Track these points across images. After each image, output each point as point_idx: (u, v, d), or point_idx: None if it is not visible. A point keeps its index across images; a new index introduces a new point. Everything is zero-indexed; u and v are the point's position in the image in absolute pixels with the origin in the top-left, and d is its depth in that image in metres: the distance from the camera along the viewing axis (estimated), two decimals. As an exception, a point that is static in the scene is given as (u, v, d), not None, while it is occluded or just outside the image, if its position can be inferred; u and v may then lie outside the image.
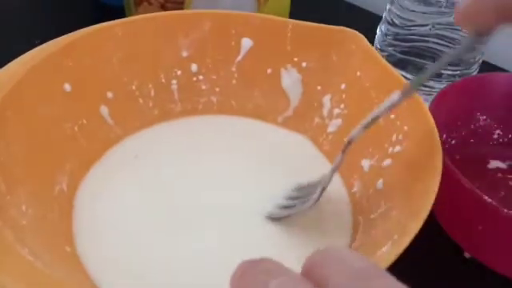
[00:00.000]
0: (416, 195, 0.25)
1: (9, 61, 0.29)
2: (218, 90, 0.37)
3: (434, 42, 0.42)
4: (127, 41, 0.35)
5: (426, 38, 0.42)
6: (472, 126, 0.39)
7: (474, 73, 0.44)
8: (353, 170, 0.32)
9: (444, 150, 0.27)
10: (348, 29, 0.35)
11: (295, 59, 0.36)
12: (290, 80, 0.37)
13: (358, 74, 0.33)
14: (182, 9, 0.40)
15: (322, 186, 0.29)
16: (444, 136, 0.36)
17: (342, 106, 0.34)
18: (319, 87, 0.36)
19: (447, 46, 0.42)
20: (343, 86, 0.35)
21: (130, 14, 0.43)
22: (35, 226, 0.25)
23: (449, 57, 0.25)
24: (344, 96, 0.34)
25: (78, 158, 0.32)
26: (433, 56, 0.42)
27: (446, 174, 0.26)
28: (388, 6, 0.44)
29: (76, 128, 0.32)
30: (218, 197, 0.31)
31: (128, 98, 0.35)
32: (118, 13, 0.42)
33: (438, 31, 0.41)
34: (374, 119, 0.26)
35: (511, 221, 0.28)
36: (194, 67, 0.37)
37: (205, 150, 0.35)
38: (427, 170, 0.26)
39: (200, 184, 0.32)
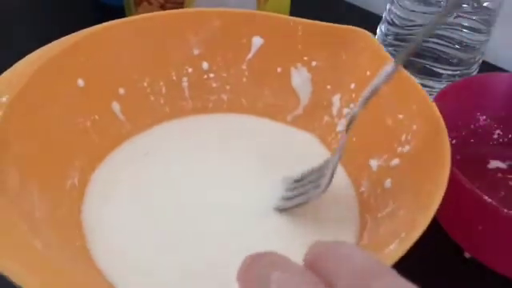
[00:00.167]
0: (424, 193, 0.25)
1: (9, 61, 0.29)
2: (228, 87, 0.38)
3: (434, 42, 0.42)
4: (139, 38, 0.35)
5: (426, 38, 0.42)
6: (472, 126, 0.39)
7: (474, 73, 0.44)
8: (361, 170, 0.32)
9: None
10: (359, 28, 0.35)
11: (305, 58, 0.36)
12: (300, 79, 0.37)
13: (368, 73, 0.33)
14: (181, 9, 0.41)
15: (331, 168, 0.29)
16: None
17: (352, 105, 0.34)
18: (329, 86, 0.36)
19: (447, 46, 0.42)
20: (353, 86, 0.35)
21: (130, 14, 0.44)
22: (47, 218, 0.26)
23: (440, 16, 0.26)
24: (354, 95, 0.34)
25: (90, 153, 0.32)
26: (433, 56, 0.42)
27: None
28: (388, 6, 0.44)
29: (88, 123, 0.33)
30: (226, 194, 0.31)
31: (139, 95, 0.36)
32: (118, 13, 0.42)
33: (437, 31, 0.41)
34: (374, 92, 0.27)
35: (511, 221, 0.28)
36: (204, 65, 0.37)
37: (213, 147, 0.35)
38: (436, 168, 0.26)
39: (208, 181, 0.32)
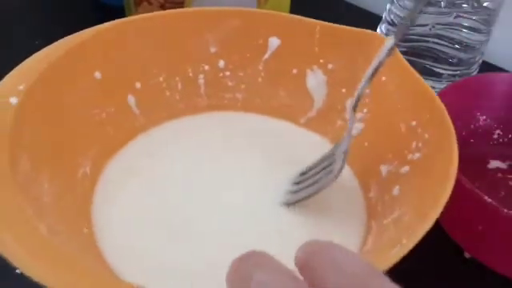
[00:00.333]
0: (427, 202, 0.25)
1: (9, 61, 0.29)
2: (243, 87, 0.38)
3: (433, 42, 0.42)
4: (157, 34, 0.35)
5: (426, 38, 0.42)
6: (472, 126, 0.39)
7: (474, 73, 0.44)
8: (371, 175, 0.33)
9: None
10: (376, 33, 0.35)
11: (321, 61, 0.36)
12: (316, 81, 0.37)
13: (384, 78, 0.33)
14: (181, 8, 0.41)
15: (342, 153, 0.29)
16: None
17: (365, 110, 0.34)
18: (344, 90, 0.36)
19: (447, 46, 0.42)
20: (368, 91, 0.34)
21: (130, 14, 0.44)
22: (56, 204, 0.26)
23: None
24: (368, 100, 0.34)
25: (103, 144, 0.33)
26: (433, 56, 0.42)
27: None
28: (388, 6, 0.44)
29: (104, 115, 0.33)
30: (234, 193, 0.32)
31: (155, 90, 0.36)
32: (118, 13, 0.43)
33: (437, 31, 0.41)
34: (378, 67, 0.28)
35: (511, 221, 0.28)
36: (221, 63, 0.37)
37: (224, 146, 0.35)
38: (441, 178, 0.26)
39: (216, 179, 0.33)
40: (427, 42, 0.42)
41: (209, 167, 0.34)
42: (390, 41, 0.29)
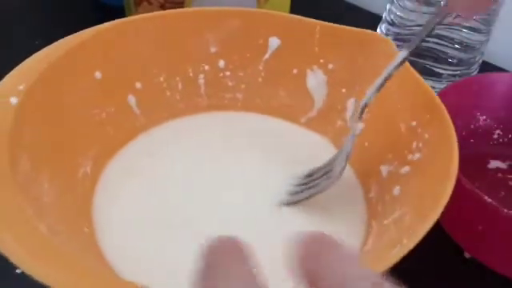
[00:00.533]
0: (428, 202, 0.25)
1: (9, 61, 0.29)
2: (243, 86, 0.38)
3: (434, 42, 0.42)
4: (157, 34, 0.35)
5: (426, 38, 0.42)
6: (472, 126, 0.39)
7: (474, 73, 0.44)
8: (371, 175, 0.33)
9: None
10: (377, 33, 0.35)
11: (321, 61, 0.36)
12: (316, 81, 0.37)
13: None
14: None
15: (345, 155, 0.29)
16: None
17: (366, 110, 0.34)
18: (344, 90, 0.36)
19: (447, 46, 0.42)
20: (368, 91, 0.35)
21: (130, 14, 0.44)
22: (56, 204, 0.26)
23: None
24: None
25: (104, 144, 0.33)
26: (433, 56, 0.42)
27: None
28: (388, 6, 0.45)
29: (104, 115, 0.33)
30: (233, 192, 0.32)
31: (156, 90, 0.36)
32: (118, 13, 0.43)
33: (437, 31, 0.42)
34: (387, 78, 0.29)
35: (511, 221, 0.28)
36: (221, 63, 0.37)
37: (224, 145, 0.36)
38: (441, 178, 0.26)
39: (215, 178, 0.33)
40: (427, 42, 0.42)
41: (209, 167, 0.34)
42: (402, 54, 0.29)
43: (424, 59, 0.43)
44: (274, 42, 0.37)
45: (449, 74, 0.43)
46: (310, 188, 0.31)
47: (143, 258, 0.28)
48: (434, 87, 0.42)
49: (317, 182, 0.31)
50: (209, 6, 0.37)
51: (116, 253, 0.27)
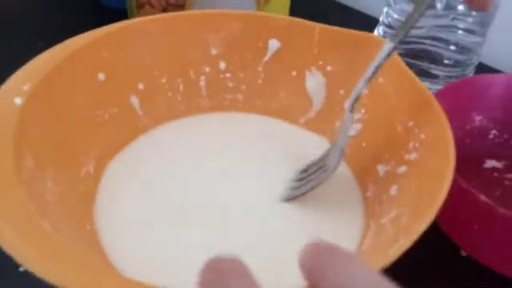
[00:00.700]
0: (424, 202, 0.25)
1: (9, 61, 0.30)
2: (244, 88, 0.39)
3: (430, 44, 0.42)
4: (159, 36, 0.36)
5: (423, 40, 0.43)
6: (468, 127, 0.39)
7: (471, 74, 0.44)
8: (368, 175, 0.33)
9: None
10: (375, 35, 0.36)
11: (320, 62, 0.37)
12: (315, 83, 0.37)
13: (381, 80, 0.34)
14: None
15: (340, 150, 0.30)
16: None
17: (363, 111, 0.35)
18: (342, 91, 0.36)
19: (443, 48, 0.42)
20: (366, 92, 0.35)
21: (132, 17, 0.45)
22: (59, 202, 0.27)
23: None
24: (365, 101, 0.34)
25: (107, 144, 0.34)
26: (429, 57, 0.43)
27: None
28: (385, 9, 0.45)
29: (107, 116, 0.34)
30: (233, 192, 0.32)
31: (158, 91, 0.37)
32: (121, 16, 0.43)
33: (434, 33, 0.42)
34: (376, 70, 0.29)
35: (507, 220, 0.28)
36: (222, 65, 0.38)
37: (225, 146, 0.36)
38: (438, 178, 0.26)
39: (215, 178, 0.33)
40: (424, 44, 0.43)
41: (210, 167, 0.34)
42: (388, 45, 0.29)
43: (421, 61, 0.43)
44: (274, 44, 0.37)
45: (445, 76, 0.43)
46: (306, 183, 0.31)
47: (145, 256, 0.28)
48: (430, 88, 0.42)
49: (313, 176, 0.31)
50: (209, 8, 0.37)
51: (118, 251, 0.28)
